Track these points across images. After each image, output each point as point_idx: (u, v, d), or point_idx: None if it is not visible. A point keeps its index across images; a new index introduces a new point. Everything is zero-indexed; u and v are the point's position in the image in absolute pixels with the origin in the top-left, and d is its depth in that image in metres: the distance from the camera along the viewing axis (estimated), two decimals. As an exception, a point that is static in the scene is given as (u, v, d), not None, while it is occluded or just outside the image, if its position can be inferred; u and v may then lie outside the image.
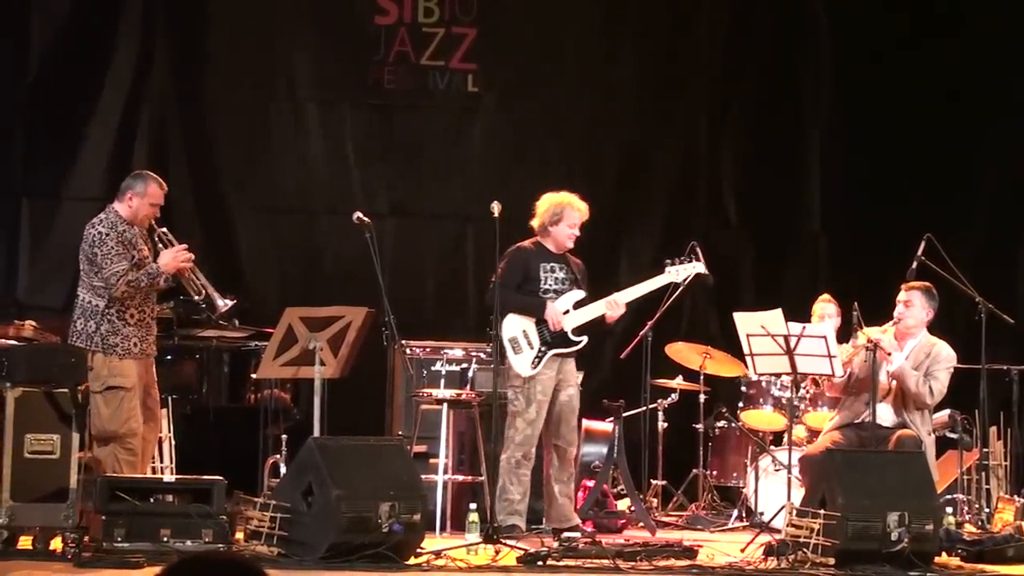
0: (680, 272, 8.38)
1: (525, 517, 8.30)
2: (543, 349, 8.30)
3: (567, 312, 8.32)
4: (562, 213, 8.37)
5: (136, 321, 7.62)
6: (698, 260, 8.40)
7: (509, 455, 8.27)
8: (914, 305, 8.29)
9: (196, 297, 7.73)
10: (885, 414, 8.20)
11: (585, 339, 8.36)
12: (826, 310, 9.23)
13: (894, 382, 8.22)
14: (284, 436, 8.57)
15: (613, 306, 8.32)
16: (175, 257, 7.62)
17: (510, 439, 8.28)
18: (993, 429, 9.43)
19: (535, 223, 8.44)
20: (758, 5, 11.50)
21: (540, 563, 7.07)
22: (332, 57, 10.92)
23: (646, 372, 9.14)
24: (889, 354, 8.13)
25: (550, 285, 8.38)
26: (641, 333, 9.12)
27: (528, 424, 8.27)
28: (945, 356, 8.27)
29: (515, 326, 8.29)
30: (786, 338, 7.94)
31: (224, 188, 10.76)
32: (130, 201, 7.64)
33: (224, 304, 7.74)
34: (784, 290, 10.74)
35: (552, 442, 8.37)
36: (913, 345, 8.29)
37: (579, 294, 8.39)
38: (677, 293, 8.64)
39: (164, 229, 7.75)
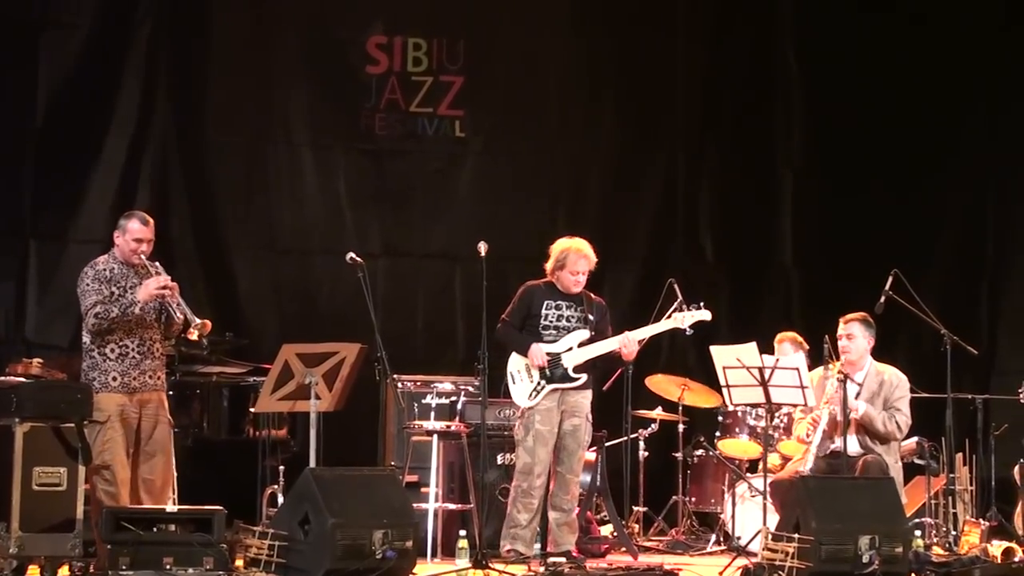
0: (685, 319, 8.53)
1: (532, 541, 8.37)
2: (541, 383, 8.41)
3: (569, 350, 8.41)
4: (565, 260, 8.44)
5: (117, 356, 7.54)
6: (699, 308, 8.55)
7: (516, 483, 8.39)
8: (856, 337, 8.38)
9: (178, 319, 7.64)
10: (852, 445, 8.25)
11: (585, 377, 8.44)
12: (781, 349, 9.31)
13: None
14: (281, 467, 8.64)
15: (627, 343, 8.45)
16: (146, 286, 7.54)
17: (515, 468, 8.44)
18: (959, 455, 9.51)
19: (548, 265, 8.54)
20: (734, 52, 11.60)
21: (527, 586, 7.20)
22: (326, 104, 11.04)
23: (627, 403, 9.32)
24: (860, 386, 8.25)
25: (551, 322, 8.46)
26: (621, 367, 9.24)
27: (527, 452, 8.35)
28: (898, 383, 8.36)
29: (518, 360, 8.42)
30: (760, 370, 8.01)
31: (223, 228, 10.84)
32: (117, 240, 7.72)
33: (200, 323, 7.63)
34: (758, 323, 10.77)
35: (555, 469, 8.45)
36: (863, 376, 8.36)
37: (583, 334, 8.45)
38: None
39: (156, 263, 7.70)
